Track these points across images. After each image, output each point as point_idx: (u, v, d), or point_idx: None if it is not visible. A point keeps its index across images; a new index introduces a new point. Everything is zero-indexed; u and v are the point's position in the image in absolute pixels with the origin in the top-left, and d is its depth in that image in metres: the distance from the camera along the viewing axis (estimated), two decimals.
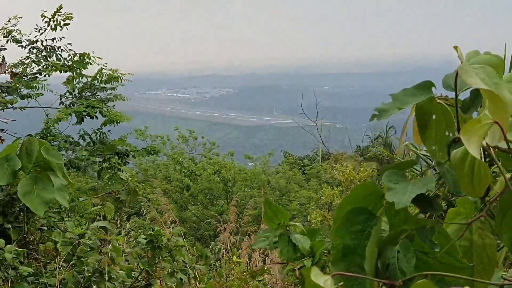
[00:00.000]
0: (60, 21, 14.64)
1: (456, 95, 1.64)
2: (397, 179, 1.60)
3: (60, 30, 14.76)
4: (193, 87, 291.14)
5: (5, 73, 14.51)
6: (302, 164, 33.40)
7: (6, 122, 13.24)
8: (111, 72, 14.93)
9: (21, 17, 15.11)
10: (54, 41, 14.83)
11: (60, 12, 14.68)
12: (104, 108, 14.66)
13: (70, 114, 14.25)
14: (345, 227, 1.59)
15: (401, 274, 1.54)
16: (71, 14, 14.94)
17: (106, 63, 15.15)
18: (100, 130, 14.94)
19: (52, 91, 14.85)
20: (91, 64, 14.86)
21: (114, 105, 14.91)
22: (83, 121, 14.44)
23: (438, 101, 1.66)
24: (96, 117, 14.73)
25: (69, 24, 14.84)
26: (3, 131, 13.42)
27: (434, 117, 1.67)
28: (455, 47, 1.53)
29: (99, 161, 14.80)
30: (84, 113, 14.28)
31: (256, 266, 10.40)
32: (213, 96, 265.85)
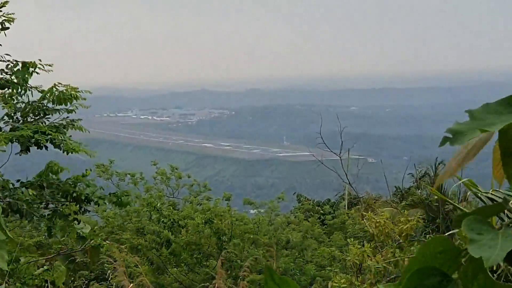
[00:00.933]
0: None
1: None
2: (481, 229, 1.55)
3: None
4: (175, 107, 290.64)
5: None
6: (322, 211, 33.34)
7: None
8: (65, 90, 14.84)
9: None
10: None
11: (1, 10, 14.58)
12: (58, 137, 14.61)
13: (12, 140, 14.18)
14: None
15: None
16: (13, 14, 14.82)
17: (59, 82, 15.09)
18: (46, 177, 14.81)
19: None
20: (37, 73, 14.79)
21: (70, 136, 14.85)
22: (29, 151, 14.36)
23: None
24: (46, 147, 14.67)
25: (8, 28, 14.74)
26: None
27: None
28: None
29: (48, 213, 14.68)
30: (32, 140, 14.20)
31: None
32: (201, 120, 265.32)
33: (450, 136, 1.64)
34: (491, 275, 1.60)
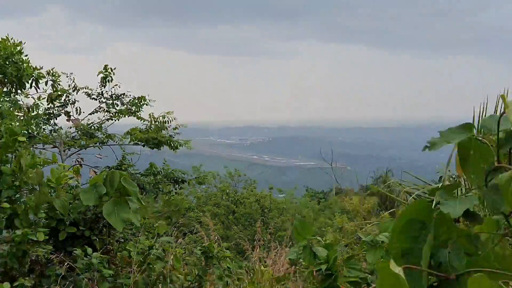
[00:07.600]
0: (110, 75, 14.82)
1: (498, 133, 1.61)
2: (447, 197, 1.61)
3: (110, 82, 14.91)
4: (234, 135, 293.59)
5: (77, 126, 14.61)
6: (319, 197, 33.26)
7: (100, 158, 13.59)
8: (167, 118, 15.15)
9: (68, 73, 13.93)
10: (114, 88, 15.01)
11: (108, 70, 14.76)
12: (174, 143, 14.93)
13: (143, 141, 14.50)
14: (405, 233, 1.60)
15: (452, 270, 1.58)
16: (114, 69, 14.83)
17: (174, 116, 15.20)
18: (164, 163, 15.13)
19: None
20: (147, 105, 15.08)
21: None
22: (158, 148, 14.63)
23: (479, 138, 1.64)
24: (162, 146, 14.90)
25: (111, 78, 14.82)
26: (97, 163, 13.74)
27: (472, 152, 1.65)
28: (502, 96, 1.53)
29: (157, 189, 14.83)
30: (160, 140, 14.47)
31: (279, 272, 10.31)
32: (252, 143, 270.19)
33: (429, 145, 1.67)
34: (453, 223, 1.63)
